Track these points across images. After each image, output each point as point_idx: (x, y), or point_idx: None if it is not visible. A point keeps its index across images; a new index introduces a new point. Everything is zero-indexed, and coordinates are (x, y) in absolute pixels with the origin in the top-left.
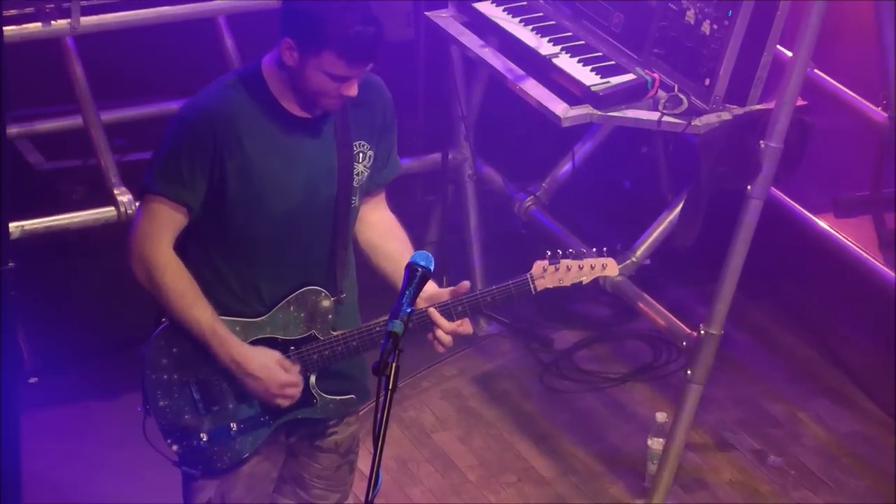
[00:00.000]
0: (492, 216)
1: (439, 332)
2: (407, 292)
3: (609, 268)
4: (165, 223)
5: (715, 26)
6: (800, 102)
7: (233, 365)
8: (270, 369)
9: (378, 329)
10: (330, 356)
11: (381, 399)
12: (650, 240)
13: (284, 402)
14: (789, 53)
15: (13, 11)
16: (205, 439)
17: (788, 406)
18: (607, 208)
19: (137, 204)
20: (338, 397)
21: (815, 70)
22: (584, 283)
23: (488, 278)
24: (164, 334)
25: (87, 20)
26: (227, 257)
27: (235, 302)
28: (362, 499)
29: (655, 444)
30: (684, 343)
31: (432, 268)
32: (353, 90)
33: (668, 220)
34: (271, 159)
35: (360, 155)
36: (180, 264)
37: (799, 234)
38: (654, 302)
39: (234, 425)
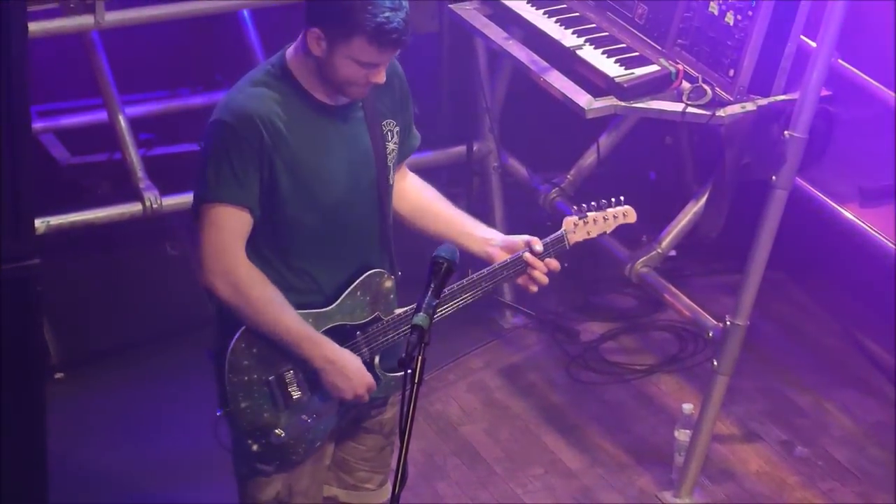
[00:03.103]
0: (517, 208)
1: (536, 273)
2: (432, 285)
3: (629, 215)
4: (236, 231)
5: (739, 17)
6: (824, 92)
7: (328, 365)
8: (362, 370)
9: (453, 295)
10: (394, 335)
11: (407, 392)
12: (675, 231)
13: (358, 401)
14: (813, 44)
15: (38, 7)
16: (282, 435)
17: (815, 396)
18: (632, 200)
19: (195, 218)
20: (395, 374)
21: (839, 60)
22: (607, 232)
23: None
24: (243, 338)
25: (112, 15)
26: (282, 253)
27: (298, 296)
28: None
29: (682, 435)
30: (711, 334)
31: (457, 260)
32: (381, 77)
33: (693, 211)
34: (314, 150)
35: (389, 133)
36: (261, 272)
37: (824, 223)
38: (679, 293)
39: (307, 417)
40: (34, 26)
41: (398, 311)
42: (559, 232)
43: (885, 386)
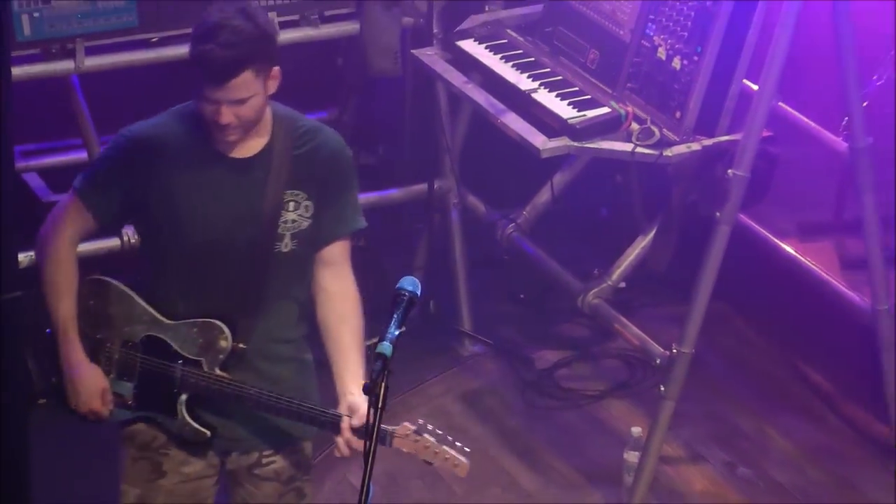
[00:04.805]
0: (476, 242)
1: (339, 440)
2: (395, 316)
3: (460, 469)
4: (72, 220)
5: (685, 62)
6: (765, 133)
7: (67, 368)
8: (90, 391)
9: (251, 393)
10: (206, 388)
11: (372, 417)
12: (625, 264)
13: (85, 416)
14: (755, 87)
15: (20, 52)
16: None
17: (757, 420)
18: (585, 234)
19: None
20: (195, 424)
21: (781, 103)
22: (432, 464)
23: (472, 301)
24: (84, 285)
25: (91, 60)
26: (156, 264)
27: (158, 302)
28: None
29: (631, 457)
30: (658, 361)
31: (419, 293)
32: (222, 118)
33: (642, 245)
34: (193, 191)
35: (292, 203)
36: (68, 260)
37: (766, 257)
38: (629, 323)
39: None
40: (17, 70)
41: (219, 372)
42: (390, 428)
43: (823, 411)
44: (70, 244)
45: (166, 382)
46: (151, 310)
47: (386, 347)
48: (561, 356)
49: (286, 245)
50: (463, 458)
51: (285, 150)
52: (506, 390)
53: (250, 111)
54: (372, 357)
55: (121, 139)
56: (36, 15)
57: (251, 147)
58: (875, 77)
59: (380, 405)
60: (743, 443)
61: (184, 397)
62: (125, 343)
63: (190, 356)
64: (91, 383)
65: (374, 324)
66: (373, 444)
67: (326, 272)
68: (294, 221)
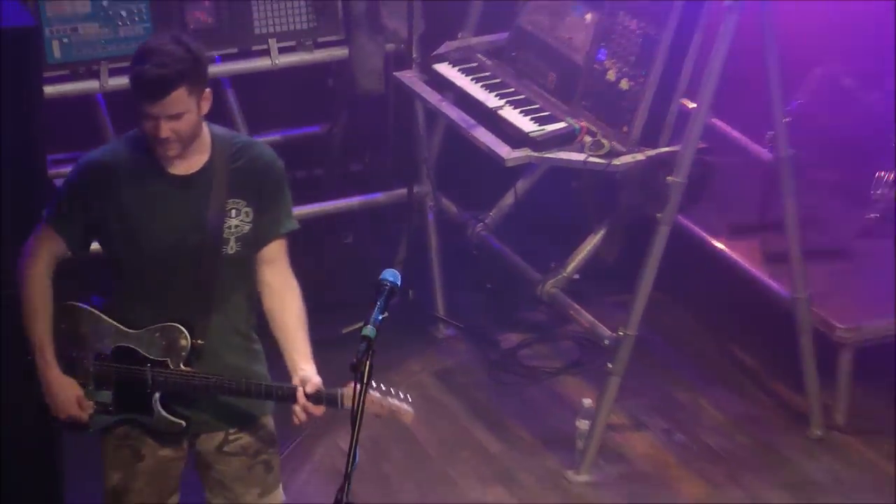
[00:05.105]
0: (449, 239)
1: (296, 407)
2: (378, 303)
3: (405, 416)
4: (44, 247)
5: (632, 83)
6: (701, 145)
7: (44, 382)
8: (67, 398)
9: (213, 381)
10: (174, 384)
11: (358, 392)
12: (579, 258)
13: (65, 420)
14: (692, 105)
15: (52, 73)
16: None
17: (692, 393)
18: (544, 232)
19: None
20: (171, 417)
21: (714, 119)
22: (381, 416)
23: (446, 290)
24: (58, 310)
25: (114, 81)
26: (118, 279)
27: (121, 311)
28: (343, 472)
29: (583, 425)
30: (606, 342)
31: (399, 283)
32: (160, 131)
33: (593, 242)
34: (144, 208)
35: (234, 211)
36: (43, 283)
37: (700, 252)
38: (581, 309)
39: (92, 403)
40: (49, 89)
41: (184, 367)
42: (339, 391)
43: (749, 385)
44: (45, 270)
45: (139, 385)
46: (117, 324)
47: (370, 330)
48: (523, 338)
49: (231, 248)
50: (407, 407)
51: (224, 164)
52: (475, 368)
53: (186, 126)
54: (358, 339)
55: (77, 167)
56: (65, 40)
57: (193, 164)
58: (796, 99)
59: (364, 381)
60: (679, 413)
61: (157, 395)
62: (98, 356)
63: (156, 358)
64: (67, 392)
65: (360, 310)
66: (359, 415)
67: (267, 269)
68: (237, 226)
